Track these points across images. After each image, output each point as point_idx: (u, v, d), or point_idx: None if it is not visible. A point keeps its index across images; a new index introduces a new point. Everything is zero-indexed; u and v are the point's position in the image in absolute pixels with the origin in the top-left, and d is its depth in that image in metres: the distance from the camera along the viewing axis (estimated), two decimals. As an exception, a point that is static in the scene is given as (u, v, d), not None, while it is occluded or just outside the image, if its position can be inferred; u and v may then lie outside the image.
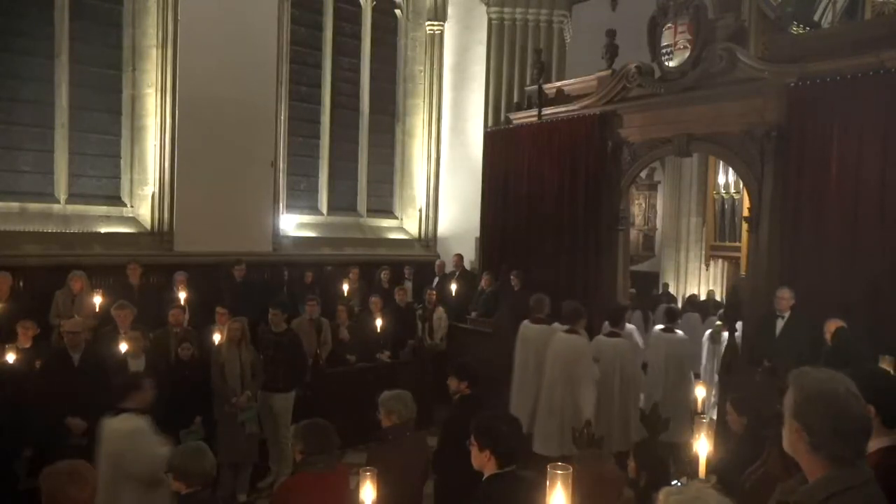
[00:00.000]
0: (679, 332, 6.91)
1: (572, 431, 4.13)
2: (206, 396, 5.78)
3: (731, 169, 9.92)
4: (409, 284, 10.00)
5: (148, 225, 8.96)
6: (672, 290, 12.85)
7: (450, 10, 11.64)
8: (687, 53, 7.59)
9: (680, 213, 13.68)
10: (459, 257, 10.42)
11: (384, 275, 9.74)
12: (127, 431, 3.68)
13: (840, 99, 6.37)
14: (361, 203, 11.56)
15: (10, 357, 5.30)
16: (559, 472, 1.95)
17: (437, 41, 11.71)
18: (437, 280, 10.30)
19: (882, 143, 6.08)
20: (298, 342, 6.39)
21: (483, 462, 2.92)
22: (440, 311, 8.86)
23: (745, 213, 8.04)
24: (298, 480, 3.43)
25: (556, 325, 6.61)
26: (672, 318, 7.08)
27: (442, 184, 11.87)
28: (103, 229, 8.73)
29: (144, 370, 5.56)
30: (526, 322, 6.86)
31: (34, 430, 4.68)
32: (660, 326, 7.18)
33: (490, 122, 10.73)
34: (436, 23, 11.66)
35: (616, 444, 5.70)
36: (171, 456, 3.22)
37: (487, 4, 10.79)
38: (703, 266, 13.32)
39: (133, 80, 8.93)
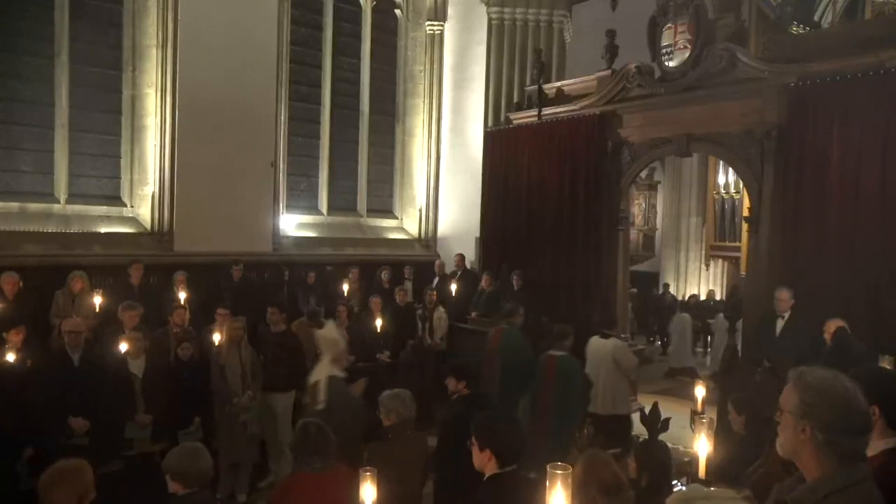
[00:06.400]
0: None
1: None
2: (205, 397, 5.77)
3: (731, 169, 9.91)
4: (409, 284, 9.98)
5: (148, 225, 8.95)
6: (672, 290, 12.85)
7: (450, 10, 11.62)
8: (687, 53, 7.59)
9: (680, 213, 13.68)
10: (461, 257, 10.40)
11: (384, 275, 9.73)
12: (621, 346, 6.38)
13: (840, 99, 6.37)
14: (361, 203, 11.56)
15: (10, 357, 5.29)
16: (559, 472, 1.95)
17: (437, 41, 11.70)
18: (437, 280, 10.28)
19: (882, 143, 6.07)
20: (298, 342, 6.39)
21: (483, 462, 2.91)
22: (440, 311, 8.84)
23: (745, 213, 8.04)
24: (296, 480, 3.43)
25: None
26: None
27: (442, 184, 11.86)
28: (103, 229, 8.72)
29: (144, 371, 5.57)
30: None
31: (34, 431, 4.67)
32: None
33: (490, 122, 10.73)
34: (436, 23, 11.65)
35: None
36: (168, 457, 3.22)
37: (487, 4, 10.79)
38: (703, 266, 13.32)
39: (133, 80, 8.92)
